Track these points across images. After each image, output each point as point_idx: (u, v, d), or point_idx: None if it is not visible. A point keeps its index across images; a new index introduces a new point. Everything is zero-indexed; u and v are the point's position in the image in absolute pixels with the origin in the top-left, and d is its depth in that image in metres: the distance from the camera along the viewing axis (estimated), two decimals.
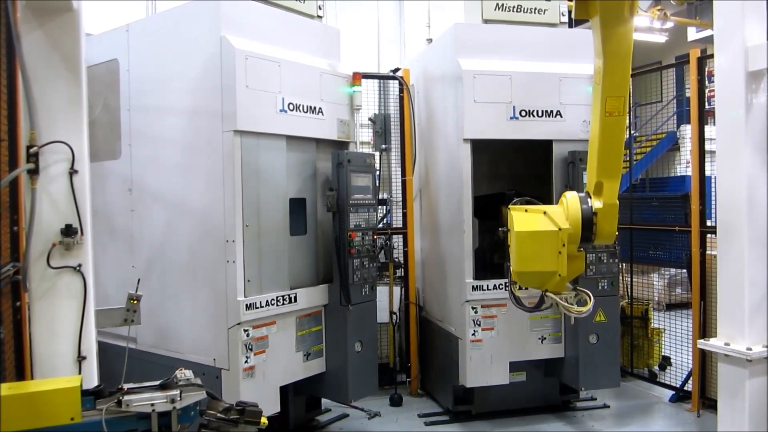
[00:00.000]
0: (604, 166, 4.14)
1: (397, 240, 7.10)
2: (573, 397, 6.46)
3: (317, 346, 5.42)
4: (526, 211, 4.28)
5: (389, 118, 7.21)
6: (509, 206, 4.39)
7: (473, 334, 5.74)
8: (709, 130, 6.16)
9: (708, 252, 6.19)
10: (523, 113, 5.75)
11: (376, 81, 7.32)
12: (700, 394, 6.24)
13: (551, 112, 5.80)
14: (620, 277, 6.48)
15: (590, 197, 4.18)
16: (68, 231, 3.49)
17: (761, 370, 4.13)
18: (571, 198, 4.19)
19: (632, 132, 8.90)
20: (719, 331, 4.36)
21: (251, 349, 4.79)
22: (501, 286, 5.73)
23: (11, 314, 3.39)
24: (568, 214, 4.12)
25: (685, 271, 7.21)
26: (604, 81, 4.03)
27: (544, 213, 4.18)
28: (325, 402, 6.20)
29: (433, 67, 6.60)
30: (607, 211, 4.13)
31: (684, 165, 11.60)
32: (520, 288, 4.61)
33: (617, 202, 4.19)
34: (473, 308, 5.73)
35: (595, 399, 6.65)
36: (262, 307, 4.84)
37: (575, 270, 4.23)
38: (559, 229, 4.05)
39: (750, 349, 4.07)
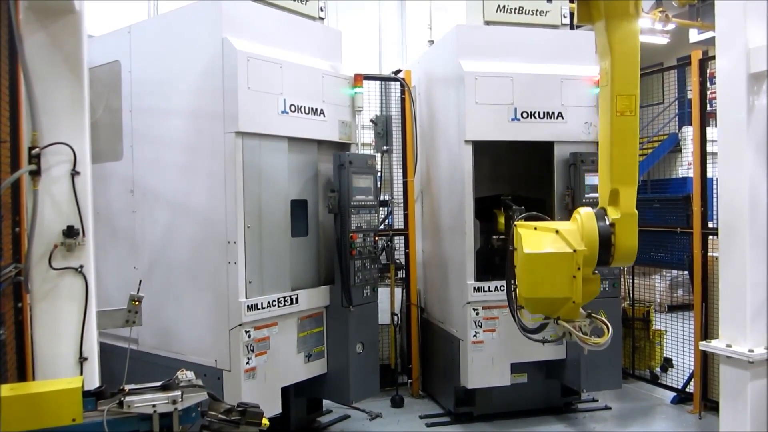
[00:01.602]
0: (619, 172, 3.85)
1: (399, 241, 7.10)
2: (574, 399, 6.45)
3: (319, 348, 5.42)
4: (535, 228, 3.89)
5: (391, 119, 7.22)
6: (515, 223, 4.05)
7: (474, 336, 5.73)
8: (711, 132, 6.16)
9: (710, 254, 6.18)
10: (525, 115, 5.75)
11: (378, 82, 7.33)
12: (702, 395, 6.23)
13: (552, 113, 5.80)
14: (622, 279, 6.47)
15: (606, 214, 3.82)
16: (70, 232, 3.50)
17: (763, 372, 4.12)
18: (585, 215, 3.81)
19: None
20: (721, 333, 4.36)
21: (252, 351, 4.79)
22: (502, 288, 5.70)
23: (13, 315, 3.40)
24: (583, 233, 3.74)
25: (686, 272, 7.21)
26: (614, 80, 3.85)
27: (557, 232, 3.79)
28: (326, 403, 6.20)
29: (434, 69, 6.60)
30: (625, 222, 3.79)
31: (686, 167, 11.59)
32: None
33: (636, 211, 3.86)
34: (474, 310, 5.73)
35: (597, 401, 6.64)
36: (263, 308, 4.85)
37: (590, 294, 3.85)
38: (574, 250, 3.68)
39: (752, 351, 4.06)
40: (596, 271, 3.89)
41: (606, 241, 3.75)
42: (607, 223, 3.76)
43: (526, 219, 4.16)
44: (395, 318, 7.04)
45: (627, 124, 3.85)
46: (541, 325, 4.10)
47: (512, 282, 4.12)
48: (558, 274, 3.70)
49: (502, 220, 5.99)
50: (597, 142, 5.83)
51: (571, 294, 3.70)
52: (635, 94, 3.90)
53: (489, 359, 5.76)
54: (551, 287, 3.73)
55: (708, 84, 6.35)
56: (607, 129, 3.90)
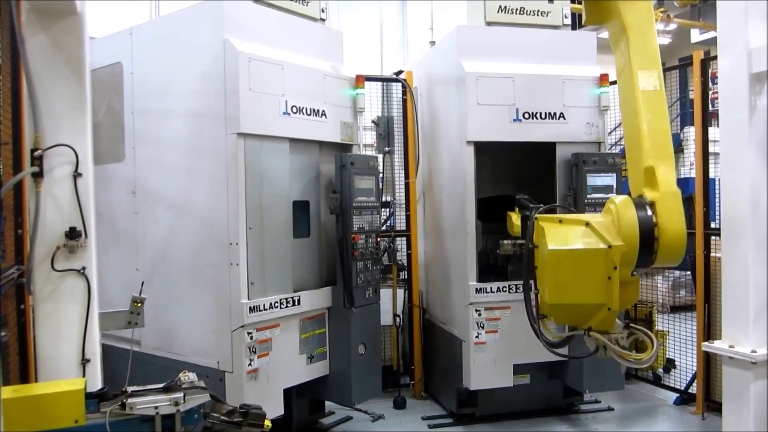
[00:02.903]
0: (651, 147, 3.32)
1: (401, 242, 7.09)
2: (577, 400, 6.44)
3: (321, 349, 5.42)
4: (560, 222, 3.36)
5: (392, 120, 7.22)
6: (536, 215, 3.53)
7: (477, 337, 5.73)
8: (713, 132, 6.15)
9: (712, 254, 6.17)
10: (526, 115, 5.74)
11: (379, 83, 7.32)
12: (705, 396, 6.21)
13: (554, 114, 5.80)
14: None
15: (647, 202, 3.19)
16: (72, 234, 3.50)
17: (765, 372, 4.11)
18: (621, 202, 3.22)
19: None
20: (723, 334, 4.34)
21: (255, 352, 4.79)
22: (505, 289, 5.73)
23: (15, 317, 3.41)
24: (620, 226, 3.14)
25: (689, 273, 7.20)
26: (632, 57, 3.51)
27: (587, 224, 3.22)
28: (328, 404, 6.19)
29: (436, 70, 6.60)
30: (668, 201, 3.19)
31: (688, 167, 11.57)
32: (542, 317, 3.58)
33: (678, 190, 3.33)
34: (477, 310, 5.72)
35: (599, 402, 6.63)
36: (265, 309, 4.84)
37: (629, 300, 3.33)
38: (609, 246, 3.09)
39: (755, 352, 4.05)
40: (635, 273, 3.30)
41: (648, 233, 3.09)
42: (648, 212, 3.10)
43: (547, 213, 3.67)
44: (397, 319, 7.03)
45: (654, 97, 3.42)
46: (567, 338, 3.63)
47: (531, 287, 3.57)
48: (590, 275, 3.10)
49: (516, 221, 5.08)
50: (599, 143, 5.92)
51: (606, 300, 3.11)
52: (658, 69, 3.52)
53: (491, 360, 5.75)
54: (582, 291, 3.14)
55: (710, 84, 6.34)
56: (632, 108, 3.46)
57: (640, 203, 3.18)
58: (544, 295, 3.28)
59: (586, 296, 3.14)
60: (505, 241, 4.60)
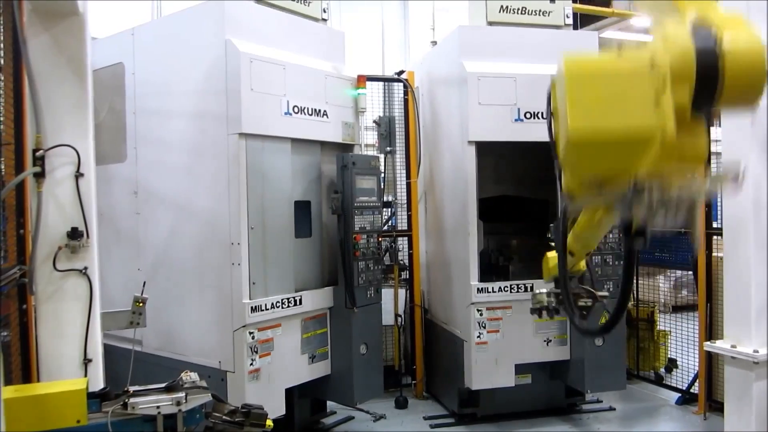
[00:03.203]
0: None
1: (402, 242, 7.10)
2: (578, 400, 6.44)
3: (322, 349, 5.42)
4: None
5: (394, 120, 7.21)
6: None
7: (478, 337, 5.73)
8: (715, 132, 6.13)
9: (714, 254, 6.16)
10: (528, 115, 5.74)
11: (381, 83, 7.32)
12: (707, 396, 6.21)
13: None
14: None
15: (705, 21, 2.16)
16: (74, 234, 3.51)
17: (767, 372, 4.11)
18: (670, 21, 2.26)
19: None
20: (725, 334, 4.35)
21: (256, 352, 4.79)
22: (506, 288, 5.73)
23: (18, 317, 3.41)
24: (669, 43, 2.12)
25: (691, 273, 7.19)
26: None
27: (619, 50, 2.28)
28: (330, 404, 6.19)
29: (437, 70, 6.60)
30: (733, 19, 2.23)
31: None
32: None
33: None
34: (478, 310, 5.72)
35: (601, 401, 6.62)
36: (267, 309, 4.85)
37: (691, 152, 2.18)
38: (652, 62, 2.11)
39: (756, 352, 4.05)
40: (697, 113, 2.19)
41: (707, 51, 2.05)
42: (707, 28, 2.12)
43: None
44: (399, 319, 7.04)
45: None
46: (606, 326, 2.90)
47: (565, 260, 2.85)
48: (629, 99, 2.11)
49: (552, 256, 3.87)
50: None
51: (658, 120, 2.05)
52: None
53: (493, 360, 5.75)
54: (620, 114, 2.09)
55: None
56: None
57: (698, 22, 2.15)
58: (564, 129, 2.22)
59: (626, 119, 2.09)
60: (538, 291, 3.78)
